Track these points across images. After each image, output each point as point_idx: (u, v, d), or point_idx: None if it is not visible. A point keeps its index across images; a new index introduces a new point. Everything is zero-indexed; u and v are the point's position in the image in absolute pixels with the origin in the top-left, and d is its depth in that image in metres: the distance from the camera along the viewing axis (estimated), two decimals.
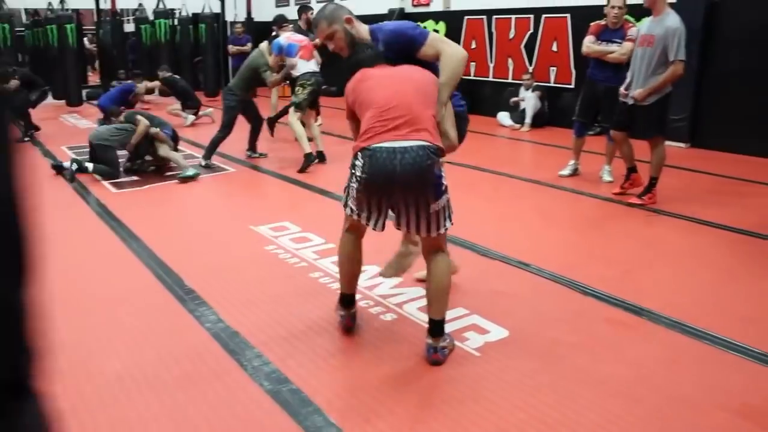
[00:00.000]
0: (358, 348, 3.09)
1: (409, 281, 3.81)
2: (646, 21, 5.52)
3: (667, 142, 8.27)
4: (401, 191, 2.77)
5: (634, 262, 4.27)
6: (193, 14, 14.75)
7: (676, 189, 6.17)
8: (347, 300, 3.21)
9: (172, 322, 3.35)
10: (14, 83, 9.07)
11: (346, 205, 2.98)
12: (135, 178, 6.75)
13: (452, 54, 3.02)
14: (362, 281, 3.80)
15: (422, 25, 11.99)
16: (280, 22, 8.13)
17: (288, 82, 7.95)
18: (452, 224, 2.93)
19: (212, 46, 14.64)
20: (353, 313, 3.23)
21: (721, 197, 5.86)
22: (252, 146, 7.76)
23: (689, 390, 2.73)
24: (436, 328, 2.95)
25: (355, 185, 2.85)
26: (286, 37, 7.24)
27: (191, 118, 10.51)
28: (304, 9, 9.00)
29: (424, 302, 3.48)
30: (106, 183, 6.49)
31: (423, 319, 3.31)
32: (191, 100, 10.70)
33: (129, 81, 10.60)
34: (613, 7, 6.17)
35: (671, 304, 3.54)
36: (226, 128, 7.21)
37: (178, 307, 3.52)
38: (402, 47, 3.07)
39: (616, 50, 6.10)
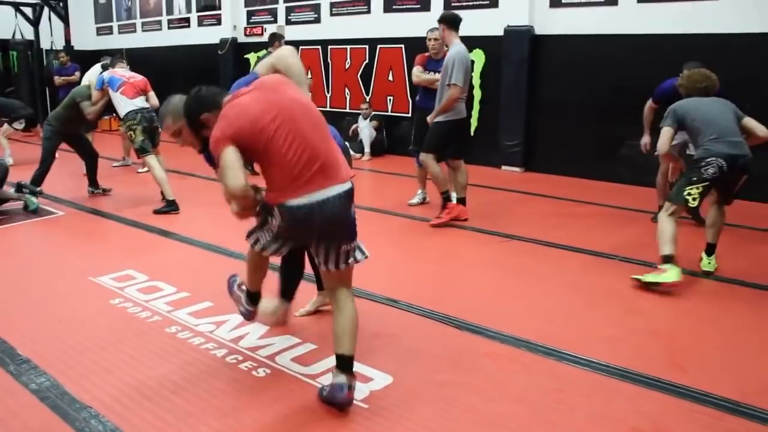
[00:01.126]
0: (235, 412, 2.75)
1: (274, 330, 3.52)
2: None
3: (504, 167, 8.73)
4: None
5: (498, 290, 4.28)
6: (1, 40, 13.40)
7: (518, 213, 6.40)
8: (255, 297, 3.18)
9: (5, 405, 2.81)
10: None
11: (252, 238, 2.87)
12: None
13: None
14: (226, 332, 3.49)
15: (256, 55, 11.76)
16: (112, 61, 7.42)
17: (114, 115, 7.45)
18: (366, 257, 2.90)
19: (26, 75, 13.36)
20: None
21: (561, 219, 6.12)
22: (93, 182, 7.21)
23: (582, 421, 2.69)
24: (348, 364, 2.76)
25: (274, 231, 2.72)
26: (112, 71, 6.71)
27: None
28: (275, 37, 8.45)
29: (296, 352, 3.25)
30: None
31: (299, 371, 3.06)
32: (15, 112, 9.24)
33: None
34: (429, 39, 6.44)
35: (543, 331, 3.55)
36: (45, 162, 6.73)
37: (12, 383, 2.97)
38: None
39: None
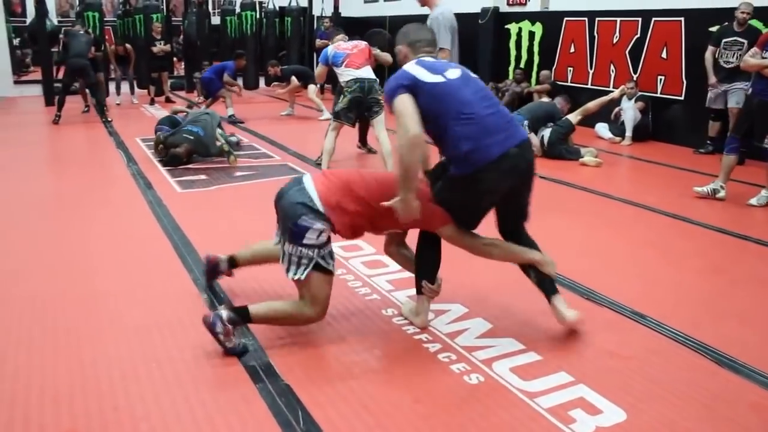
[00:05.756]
0: (431, 419, 2.48)
1: (498, 330, 3.19)
2: None
3: None
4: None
5: None
6: (280, 8, 14.48)
7: None
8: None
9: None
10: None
11: None
12: (202, 177, 6.37)
13: (398, 140, 2.82)
14: (443, 324, 3.21)
15: (518, 26, 11.28)
16: None
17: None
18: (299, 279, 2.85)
19: (298, 40, 14.37)
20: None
21: None
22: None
23: None
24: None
25: None
26: (335, 46, 6.74)
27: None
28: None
29: (517, 361, 2.87)
30: (172, 180, 6.16)
31: (516, 384, 2.69)
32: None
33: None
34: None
35: None
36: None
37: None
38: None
39: None
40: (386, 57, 6.76)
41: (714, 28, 8.02)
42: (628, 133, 8.91)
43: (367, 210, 2.90)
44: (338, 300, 3.42)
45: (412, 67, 2.94)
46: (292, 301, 2.98)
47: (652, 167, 7.62)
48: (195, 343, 2.98)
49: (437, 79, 2.88)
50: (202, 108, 9.48)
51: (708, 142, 8.24)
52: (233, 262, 3.50)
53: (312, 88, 10.64)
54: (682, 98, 8.79)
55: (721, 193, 5.88)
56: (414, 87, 2.85)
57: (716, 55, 7.68)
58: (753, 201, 5.74)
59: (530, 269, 3.14)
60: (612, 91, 8.73)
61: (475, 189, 2.88)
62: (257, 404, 2.53)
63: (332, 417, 2.46)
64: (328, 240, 2.90)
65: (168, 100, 12.14)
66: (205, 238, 4.44)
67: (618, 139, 8.97)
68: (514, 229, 3.16)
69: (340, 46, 6.63)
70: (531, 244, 3.14)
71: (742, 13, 7.29)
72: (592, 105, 7.82)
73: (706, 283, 4.01)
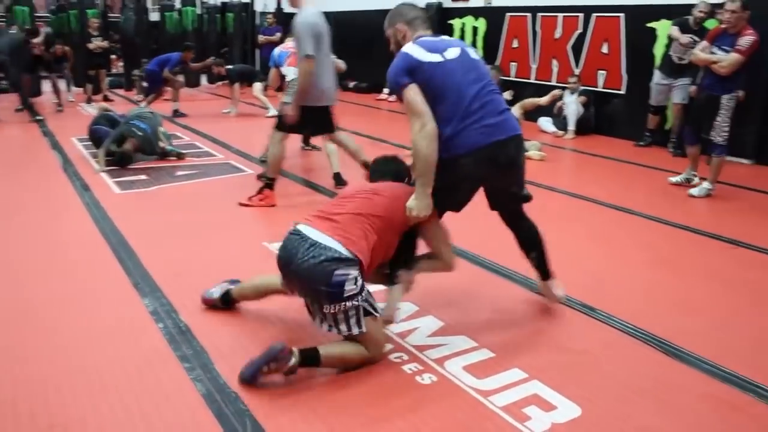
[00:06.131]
0: (383, 423, 2.41)
1: (448, 328, 3.14)
2: None
3: (728, 158, 7.56)
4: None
5: (721, 310, 3.52)
6: (222, 3, 14.22)
7: (749, 215, 5.42)
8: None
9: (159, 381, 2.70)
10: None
11: None
12: (143, 177, 6.15)
13: (413, 138, 2.78)
14: (393, 324, 3.13)
15: (461, 21, 11.31)
16: None
17: None
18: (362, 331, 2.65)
19: (240, 36, 14.13)
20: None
21: None
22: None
23: None
24: None
25: None
26: (282, 46, 6.65)
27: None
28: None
29: (470, 359, 2.83)
30: (110, 181, 5.93)
31: (470, 383, 2.65)
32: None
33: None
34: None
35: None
36: None
37: (167, 350, 2.87)
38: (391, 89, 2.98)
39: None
40: (340, 64, 6.69)
41: (653, 24, 8.22)
42: (571, 126, 9.03)
43: (384, 232, 2.76)
44: (283, 301, 3.32)
45: (411, 48, 2.90)
46: (354, 344, 2.72)
47: (595, 160, 7.73)
48: (138, 352, 2.84)
49: (435, 58, 2.85)
50: (142, 105, 9.21)
51: (647, 134, 8.40)
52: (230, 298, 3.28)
53: (257, 86, 10.44)
54: (623, 93, 8.95)
55: (695, 181, 6.08)
56: (414, 70, 2.82)
57: (669, 49, 7.80)
58: (694, 192, 5.86)
59: (530, 251, 3.27)
60: (554, 86, 8.82)
61: (453, 173, 2.86)
62: (202, 412, 2.42)
63: (282, 423, 2.37)
64: (364, 281, 2.67)
65: (106, 99, 11.74)
66: (145, 241, 4.27)
67: (561, 132, 9.08)
68: (504, 212, 3.23)
69: (286, 45, 6.52)
70: (526, 227, 3.25)
71: (700, 12, 7.31)
72: (528, 103, 7.86)
73: (652, 275, 4.05)
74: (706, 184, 5.87)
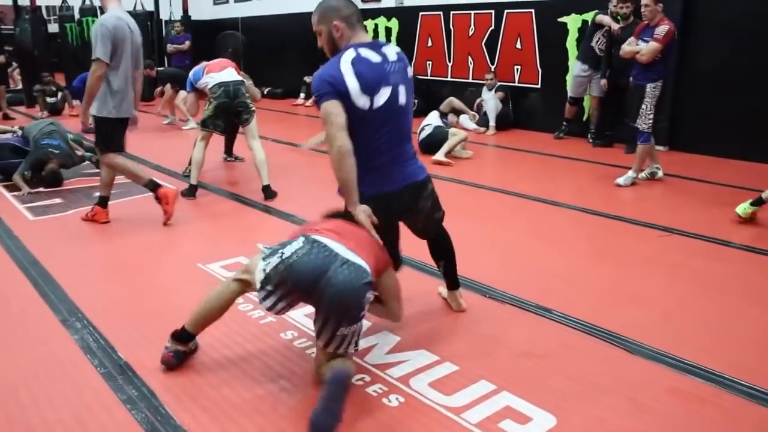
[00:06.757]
0: None
1: (405, 343, 3.03)
2: None
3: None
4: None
5: (665, 299, 3.57)
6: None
7: (671, 201, 5.58)
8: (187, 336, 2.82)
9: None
10: None
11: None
12: (57, 200, 5.74)
13: (328, 151, 2.72)
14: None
15: (374, 22, 11.23)
16: None
17: None
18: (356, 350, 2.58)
19: (145, 46, 13.54)
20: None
21: (726, 209, 5.22)
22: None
23: None
24: None
25: None
26: (195, 67, 6.37)
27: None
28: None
29: (434, 374, 2.72)
30: (21, 207, 5.49)
31: (439, 401, 2.53)
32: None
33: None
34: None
35: (735, 362, 2.85)
36: None
37: (108, 392, 2.62)
38: None
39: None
40: (256, 92, 6.55)
41: (564, 18, 8.41)
42: (492, 122, 9.12)
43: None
44: (231, 328, 3.12)
45: (346, 68, 2.70)
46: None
47: (518, 155, 7.83)
48: (71, 400, 2.58)
49: (363, 103, 2.71)
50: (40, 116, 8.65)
51: (564, 123, 8.58)
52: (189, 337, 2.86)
53: (182, 95, 9.78)
54: (539, 86, 9.11)
55: (659, 174, 6.23)
56: (341, 93, 2.67)
57: (594, 41, 7.94)
58: (620, 181, 5.99)
59: (439, 259, 3.31)
60: (471, 83, 8.88)
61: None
62: None
63: None
64: None
65: (6, 117, 10.96)
66: (68, 270, 3.95)
67: (482, 129, 9.15)
68: (426, 238, 3.29)
69: (201, 63, 6.26)
70: (440, 237, 3.28)
71: (614, 7, 7.52)
72: (457, 103, 7.87)
73: (597, 268, 4.07)
74: (630, 173, 6.01)
